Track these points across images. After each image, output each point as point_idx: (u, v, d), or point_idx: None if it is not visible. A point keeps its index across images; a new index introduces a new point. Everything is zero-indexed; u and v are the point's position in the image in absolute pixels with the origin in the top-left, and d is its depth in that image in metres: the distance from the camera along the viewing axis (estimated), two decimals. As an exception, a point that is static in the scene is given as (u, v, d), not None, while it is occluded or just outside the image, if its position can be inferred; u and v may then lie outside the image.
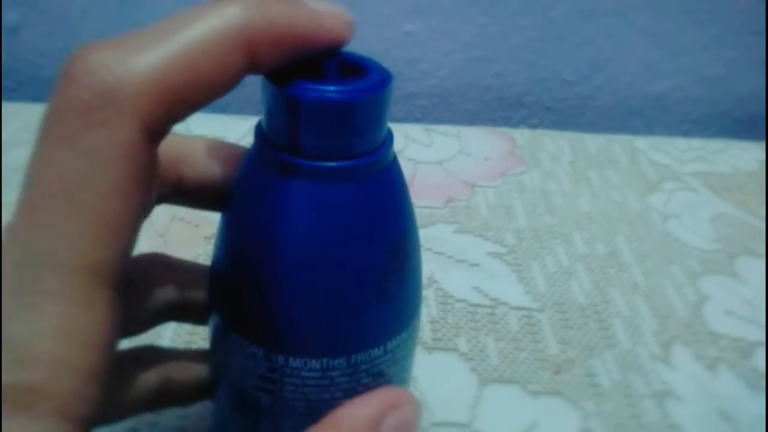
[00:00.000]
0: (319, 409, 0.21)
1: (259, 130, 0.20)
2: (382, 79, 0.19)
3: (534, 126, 0.60)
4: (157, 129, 0.15)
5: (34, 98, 0.54)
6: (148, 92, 0.15)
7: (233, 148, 0.22)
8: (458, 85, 0.58)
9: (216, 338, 0.22)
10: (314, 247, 0.19)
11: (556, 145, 0.53)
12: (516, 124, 0.60)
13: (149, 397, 0.23)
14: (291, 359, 0.20)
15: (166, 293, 0.23)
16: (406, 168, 0.49)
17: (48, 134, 0.15)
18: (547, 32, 0.56)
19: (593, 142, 0.54)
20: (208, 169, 0.21)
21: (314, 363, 0.20)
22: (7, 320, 0.14)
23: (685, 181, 0.51)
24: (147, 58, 0.15)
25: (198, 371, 0.24)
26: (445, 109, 0.59)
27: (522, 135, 0.54)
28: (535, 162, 0.51)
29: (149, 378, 0.23)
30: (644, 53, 0.58)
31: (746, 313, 0.39)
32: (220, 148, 0.22)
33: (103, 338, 0.15)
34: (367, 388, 0.22)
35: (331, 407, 0.21)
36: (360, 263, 0.20)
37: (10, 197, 0.42)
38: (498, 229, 0.44)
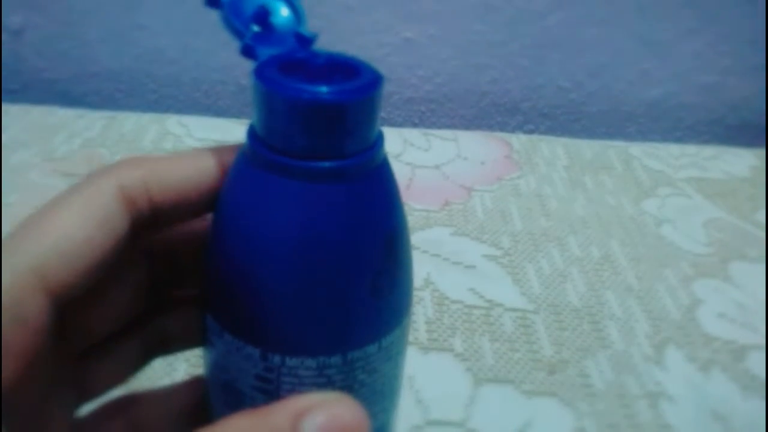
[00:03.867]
0: None
1: (251, 131, 0.20)
2: (374, 79, 0.19)
3: (530, 132, 0.60)
4: (132, 194, 0.19)
5: (37, 101, 0.54)
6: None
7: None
8: (455, 91, 0.59)
9: (210, 340, 0.22)
10: (309, 246, 0.19)
11: (552, 151, 0.53)
12: (512, 129, 0.61)
13: None
14: (287, 358, 0.20)
15: (151, 331, 0.24)
16: (404, 171, 0.50)
17: None
18: (542, 40, 0.57)
19: (588, 147, 0.54)
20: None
21: (311, 361, 0.21)
22: None
23: (679, 186, 0.51)
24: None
25: (173, 407, 0.24)
26: (443, 114, 0.60)
27: (518, 140, 0.54)
28: (531, 167, 0.51)
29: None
30: (638, 60, 0.58)
31: (739, 317, 0.40)
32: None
33: (33, 324, 0.17)
34: (362, 384, 0.22)
35: None
36: (355, 262, 0.20)
37: (12, 198, 0.43)
38: (494, 232, 0.44)
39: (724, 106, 0.61)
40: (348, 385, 0.21)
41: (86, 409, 0.22)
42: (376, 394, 0.23)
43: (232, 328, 0.21)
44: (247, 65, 0.20)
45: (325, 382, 0.21)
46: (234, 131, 0.51)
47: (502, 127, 0.60)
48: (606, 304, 0.40)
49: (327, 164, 0.19)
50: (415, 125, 0.60)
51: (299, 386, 0.21)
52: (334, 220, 0.19)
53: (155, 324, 0.24)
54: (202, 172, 0.21)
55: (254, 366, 0.21)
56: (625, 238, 0.45)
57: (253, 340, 0.20)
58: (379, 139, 0.21)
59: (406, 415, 0.32)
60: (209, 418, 0.25)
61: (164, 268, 0.23)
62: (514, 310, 0.38)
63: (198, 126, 0.53)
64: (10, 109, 0.50)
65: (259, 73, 0.19)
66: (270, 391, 0.21)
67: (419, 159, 0.51)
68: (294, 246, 0.19)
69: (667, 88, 0.60)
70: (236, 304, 0.20)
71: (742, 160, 0.55)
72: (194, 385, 0.24)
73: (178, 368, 0.34)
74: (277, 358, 0.20)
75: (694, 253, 0.45)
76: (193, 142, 0.51)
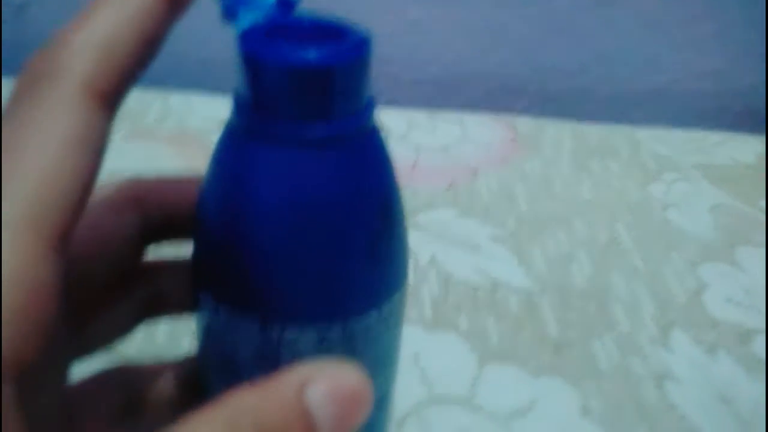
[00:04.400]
0: None
1: (238, 99, 0.19)
2: (362, 40, 0.19)
3: (535, 115, 0.60)
4: (101, 87, 0.16)
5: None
6: (86, 53, 0.16)
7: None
8: (461, 73, 0.58)
9: (204, 317, 0.21)
10: (303, 213, 0.19)
11: (558, 134, 0.53)
12: (518, 113, 0.60)
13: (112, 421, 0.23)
14: (287, 330, 0.20)
15: (143, 291, 0.23)
16: (409, 152, 0.49)
17: (7, 103, 0.16)
18: (550, 23, 0.56)
19: (594, 131, 0.54)
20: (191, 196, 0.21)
21: (311, 331, 0.20)
22: None
23: (685, 172, 0.51)
24: (85, 26, 0.16)
25: (170, 386, 0.24)
26: (448, 96, 0.59)
27: (524, 123, 0.54)
28: (536, 150, 0.51)
29: (111, 400, 0.23)
30: (646, 45, 0.58)
31: (745, 301, 0.40)
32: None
33: (47, 288, 0.15)
34: (362, 355, 0.22)
35: None
36: (350, 226, 0.20)
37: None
38: (500, 213, 0.44)
39: (730, 93, 0.60)
40: (348, 356, 0.21)
41: (78, 374, 0.22)
42: (376, 364, 0.23)
43: (228, 301, 0.20)
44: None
45: (325, 353, 0.21)
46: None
47: (508, 111, 0.60)
48: (612, 286, 0.39)
49: (317, 130, 0.18)
50: (420, 107, 0.60)
51: (299, 359, 0.21)
52: (327, 185, 0.19)
53: (148, 281, 0.23)
54: (140, 13, 0.17)
55: (252, 340, 0.20)
56: (632, 222, 0.45)
57: (251, 312, 0.20)
58: (370, 103, 0.20)
59: (411, 391, 0.32)
60: (204, 398, 0.24)
61: (156, 220, 0.22)
62: (520, 290, 0.38)
63: (201, 103, 0.52)
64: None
65: (245, 40, 0.18)
66: (269, 367, 0.21)
67: (424, 140, 0.51)
68: (288, 214, 0.19)
69: (674, 74, 0.59)
70: (232, 276, 0.20)
71: (749, 147, 0.55)
72: (193, 361, 0.24)
73: (182, 342, 0.33)
74: (276, 330, 0.20)
75: (700, 237, 0.44)
76: (196, 119, 0.50)
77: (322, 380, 0.16)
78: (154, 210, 0.22)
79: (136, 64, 0.17)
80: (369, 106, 0.20)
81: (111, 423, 0.22)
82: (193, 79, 0.58)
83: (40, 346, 0.15)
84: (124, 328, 0.23)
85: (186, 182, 0.22)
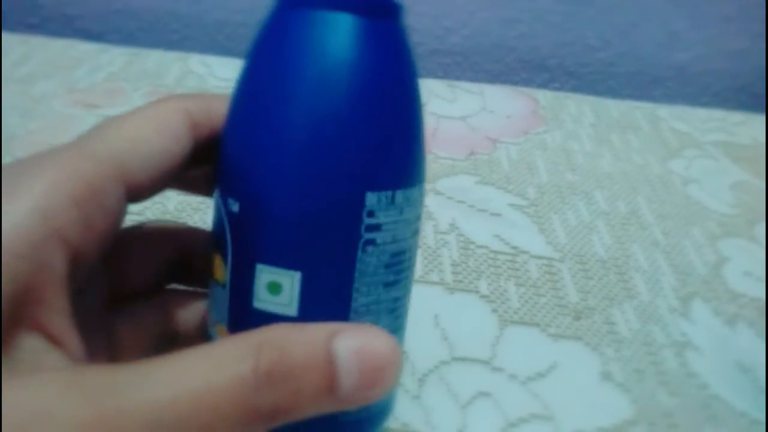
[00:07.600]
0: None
1: None
2: None
3: (555, 90, 0.60)
4: (197, 119, 0.21)
5: (57, 34, 0.54)
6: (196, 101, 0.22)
7: None
8: (482, 45, 0.58)
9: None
10: (349, 78, 0.20)
11: (579, 108, 0.53)
12: (537, 87, 0.60)
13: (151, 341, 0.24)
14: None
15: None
16: (429, 121, 0.49)
17: None
18: (573, -4, 0.56)
19: (615, 107, 0.54)
20: None
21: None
22: None
23: (706, 149, 0.51)
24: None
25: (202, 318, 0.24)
26: (467, 68, 0.59)
27: (545, 96, 0.54)
28: (557, 123, 0.51)
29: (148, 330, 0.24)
30: (669, 21, 0.57)
31: (764, 276, 0.39)
32: None
33: (112, 210, 0.18)
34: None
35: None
36: (411, 95, 0.21)
37: (33, 125, 0.42)
38: (520, 182, 0.44)
39: (752, 73, 0.60)
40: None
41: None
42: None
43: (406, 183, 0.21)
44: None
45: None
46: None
47: (527, 84, 0.59)
48: (632, 257, 0.39)
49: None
50: (438, 78, 0.59)
51: None
52: (393, 54, 0.20)
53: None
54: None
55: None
56: (652, 195, 0.44)
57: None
58: None
59: (432, 350, 0.32)
60: None
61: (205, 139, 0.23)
62: (540, 257, 0.38)
63: (221, 66, 0.52)
64: (30, 40, 0.50)
65: None
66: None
67: (444, 110, 0.50)
68: (335, 80, 0.19)
69: (696, 52, 0.59)
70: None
71: (770, 127, 0.54)
72: None
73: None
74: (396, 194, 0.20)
75: (720, 212, 0.44)
76: (216, 81, 0.50)
77: (354, 336, 0.17)
78: (204, 131, 0.22)
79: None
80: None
81: (146, 349, 0.23)
82: (212, 43, 0.57)
83: (94, 249, 0.17)
84: (149, 340, 0.24)
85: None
